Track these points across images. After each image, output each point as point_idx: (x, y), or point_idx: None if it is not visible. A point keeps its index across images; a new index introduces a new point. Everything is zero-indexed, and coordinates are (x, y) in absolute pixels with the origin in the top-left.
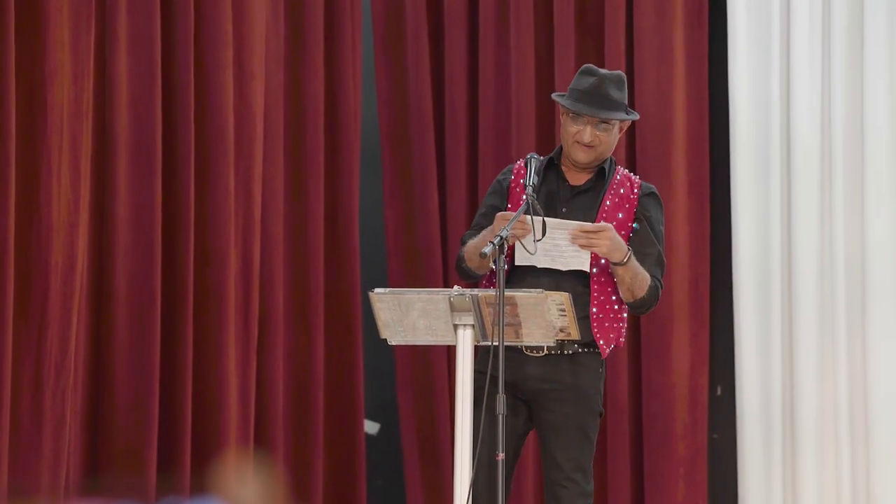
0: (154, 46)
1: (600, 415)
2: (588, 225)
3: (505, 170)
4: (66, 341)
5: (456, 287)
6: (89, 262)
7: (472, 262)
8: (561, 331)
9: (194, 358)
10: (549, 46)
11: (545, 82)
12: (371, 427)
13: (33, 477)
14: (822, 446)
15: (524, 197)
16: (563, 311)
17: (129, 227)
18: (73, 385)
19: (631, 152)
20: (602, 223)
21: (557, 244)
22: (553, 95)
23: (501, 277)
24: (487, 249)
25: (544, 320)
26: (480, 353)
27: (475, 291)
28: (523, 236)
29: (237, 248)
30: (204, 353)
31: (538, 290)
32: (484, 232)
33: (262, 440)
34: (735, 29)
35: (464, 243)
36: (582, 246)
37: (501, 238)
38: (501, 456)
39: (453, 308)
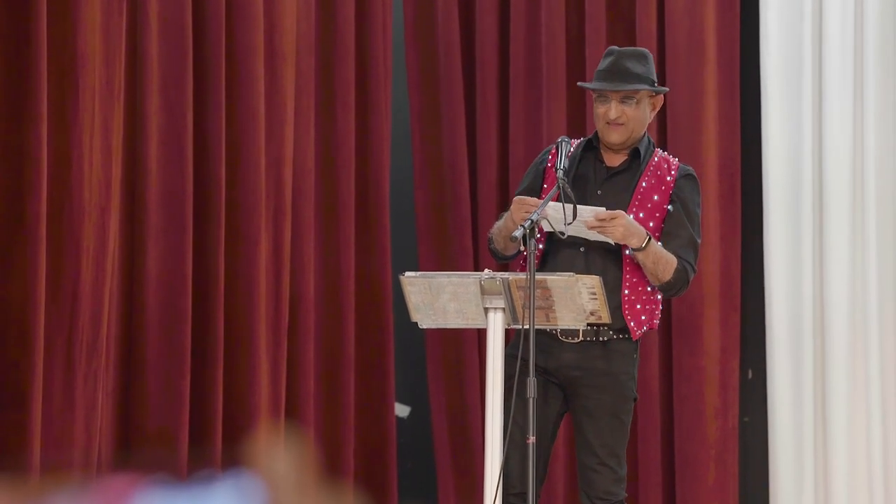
0: (185, 29)
1: (634, 400)
2: (602, 213)
3: (543, 152)
4: (97, 323)
5: (487, 270)
6: (121, 244)
7: (499, 244)
8: (592, 314)
9: (225, 341)
10: (580, 28)
11: (576, 64)
12: (402, 410)
13: (65, 459)
14: (854, 430)
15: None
16: (594, 294)
17: (161, 210)
18: (104, 367)
19: (662, 134)
20: (616, 210)
21: (577, 227)
22: (579, 84)
23: (532, 261)
24: (518, 233)
25: (575, 304)
26: (514, 337)
27: (506, 275)
28: (524, 220)
29: (268, 230)
30: (235, 335)
31: (569, 273)
32: (505, 217)
33: (292, 423)
34: (766, 9)
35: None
36: (598, 232)
37: (532, 221)
38: (532, 439)
39: (484, 291)
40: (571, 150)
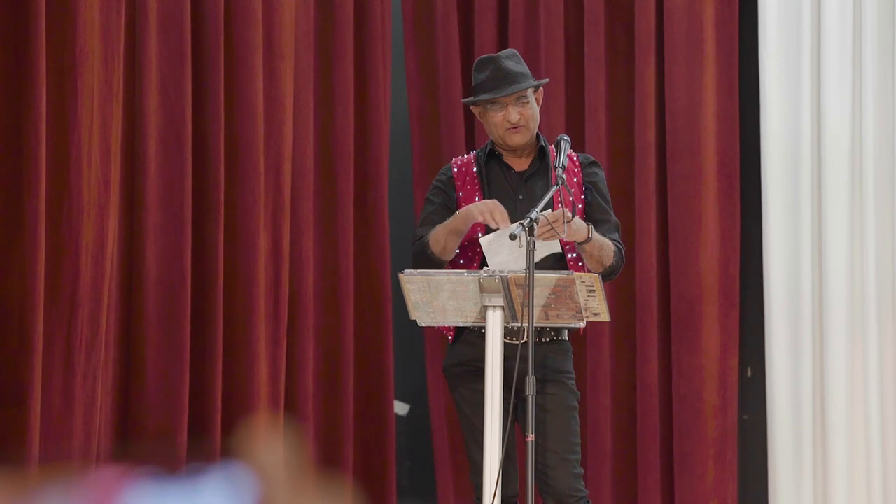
0: (184, 28)
1: (578, 399)
2: (549, 215)
3: (441, 170)
4: (96, 322)
5: (485, 268)
6: (120, 243)
7: (437, 247)
8: (591, 312)
9: (224, 339)
10: (579, 27)
11: (575, 63)
12: (401, 408)
13: (64, 457)
14: (853, 427)
15: (557, 182)
16: (593, 291)
17: (159, 208)
18: (103, 366)
19: (661, 131)
20: (559, 210)
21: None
22: (464, 101)
23: (531, 258)
24: (517, 230)
25: (574, 301)
26: (449, 345)
27: (504, 273)
28: (491, 220)
29: (267, 228)
30: (234, 334)
31: (567, 271)
32: (462, 210)
33: (292, 421)
34: (765, 7)
35: (418, 237)
36: (546, 238)
37: (531, 219)
38: (531, 437)
39: (483, 289)
40: (473, 160)
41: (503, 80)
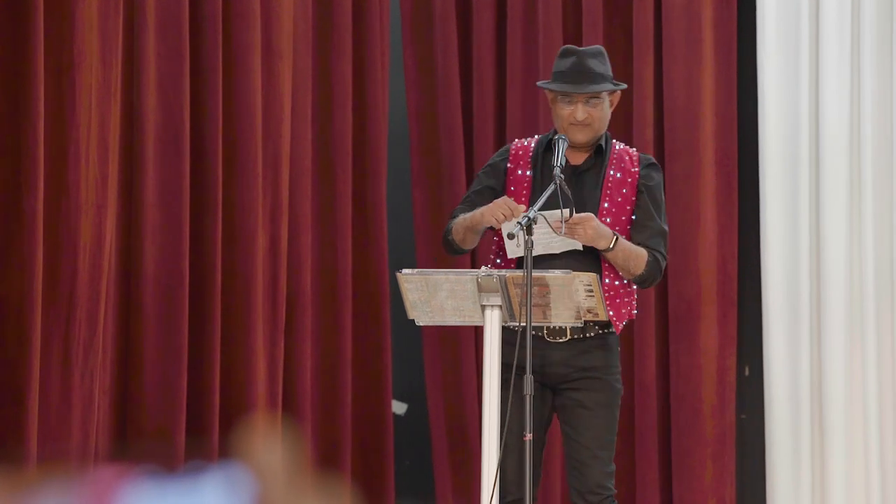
0: (182, 27)
1: (620, 392)
2: (574, 216)
3: (500, 151)
4: (94, 321)
5: (483, 268)
6: (117, 242)
7: (458, 235)
8: (588, 311)
9: (222, 338)
10: (577, 26)
11: None
12: (399, 408)
13: (62, 457)
14: (851, 426)
15: (554, 178)
16: (591, 291)
17: (158, 208)
18: (101, 365)
19: (659, 131)
20: (584, 213)
21: (546, 231)
22: (538, 83)
23: (529, 257)
24: (515, 230)
25: (572, 301)
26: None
27: (503, 272)
28: (503, 221)
29: (265, 228)
30: (232, 333)
31: (566, 270)
32: (479, 210)
33: (289, 420)
34: (764, 6)
35: (454, 217)
36: (566, 235)
37: (529, 218)
38: (529, 436)
39: (481, 289)
40: (533, 147)
41: (581, 77)
